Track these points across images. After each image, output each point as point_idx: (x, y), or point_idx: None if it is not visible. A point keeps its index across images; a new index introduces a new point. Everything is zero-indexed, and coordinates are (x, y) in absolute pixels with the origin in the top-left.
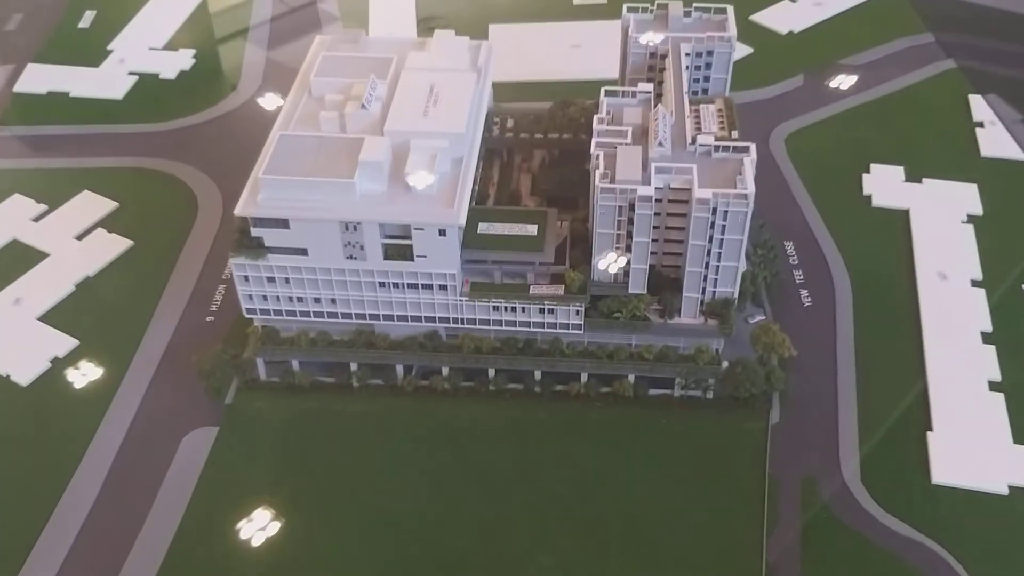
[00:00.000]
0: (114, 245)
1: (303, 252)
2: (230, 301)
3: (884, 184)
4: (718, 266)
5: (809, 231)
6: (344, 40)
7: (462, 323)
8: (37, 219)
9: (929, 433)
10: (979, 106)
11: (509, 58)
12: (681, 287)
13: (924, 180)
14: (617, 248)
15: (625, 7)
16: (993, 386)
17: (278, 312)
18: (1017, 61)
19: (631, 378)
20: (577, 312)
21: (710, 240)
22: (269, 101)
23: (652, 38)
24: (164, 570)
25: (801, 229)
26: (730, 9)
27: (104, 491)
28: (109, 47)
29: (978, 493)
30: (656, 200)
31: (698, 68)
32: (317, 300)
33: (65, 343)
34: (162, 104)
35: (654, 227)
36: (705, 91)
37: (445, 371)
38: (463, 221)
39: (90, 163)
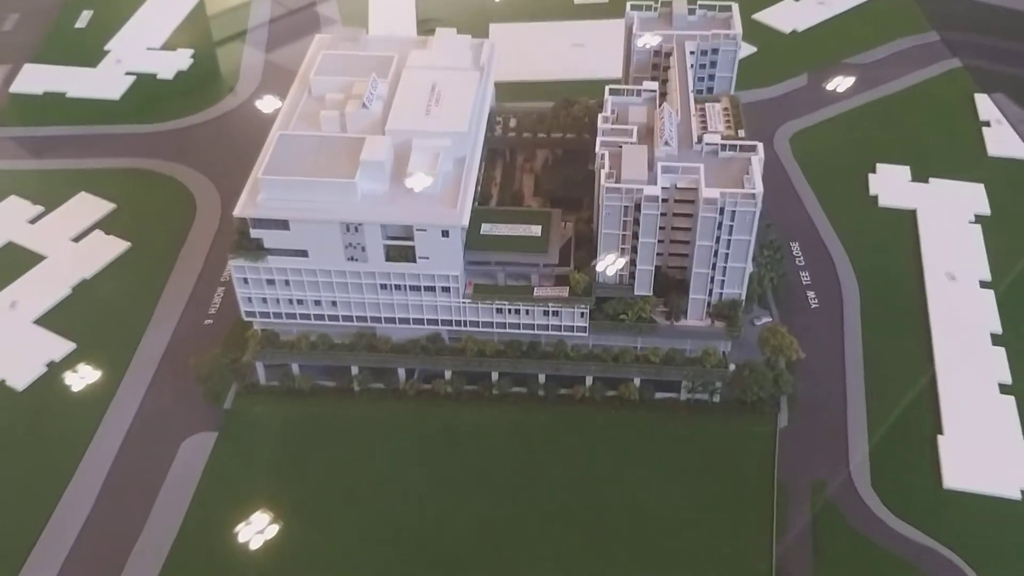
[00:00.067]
0: (111, 247)
1: (303, 254)
2: (229, 304)
3: (890, 184)
4: (725, 267)
5: (815, 232)
6: (344, 38)
7: (465, 326)
8: (33, 221)
9: (940, 437)
10: (985, 105)
11: (510, 58)
12: (687, 289)
13: (931, 180)
14: (620, 248)
15: (628, 5)
16: (1004, 389)
17: (278, 315)
18: (1023, 60)
19: (637, 381)
20: (582, 314)
21: (717, 241)
22: (267, 103)
23: (649, 40)
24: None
25: (807, 230)
26: (735, 7)
27: (100, 500)
28: (106, 47)
29: (990, 498)
30: (662, 200)
31: (703, 66)
32: (317, 302)
33: (62, 347)
34: (160, 105)
35: (660, 227)
36: (710, 90)
37: (448, 375)
38: (466, 222)
39: (87, 164)
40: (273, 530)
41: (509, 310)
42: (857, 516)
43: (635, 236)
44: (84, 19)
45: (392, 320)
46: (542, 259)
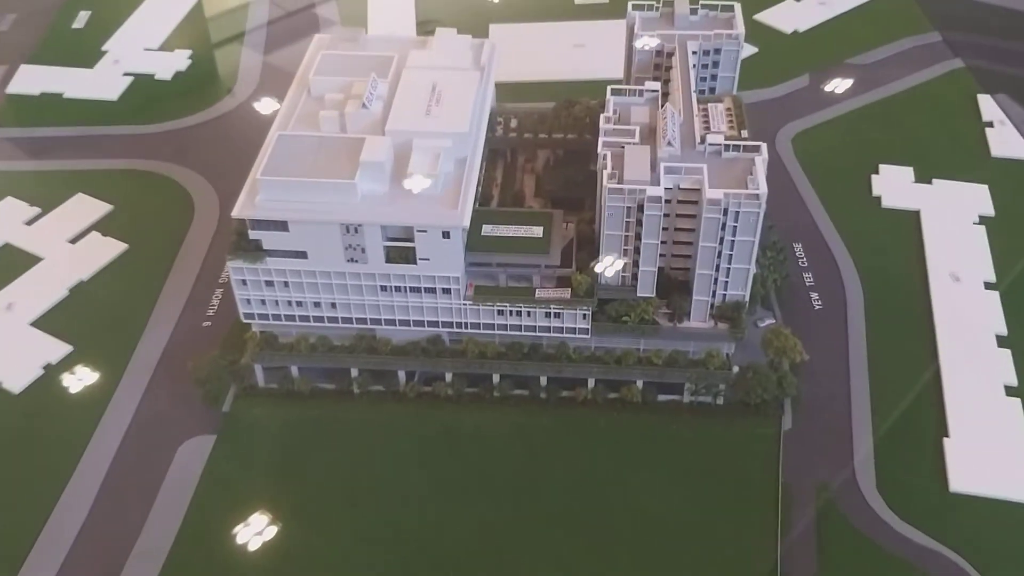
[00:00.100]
0: (108, 248)
1: (302, 255)
2: (227, 306)
3: (894, 185)
4: (729, 268)
5: (818, 233)
6: (344, 38)
7: (466, 327)
8: (30, 222)
9: (945, 439)
10: (988, 106)
11: (510, 58)
12: (691, 290)
13: (934, 181)
14: (623, 249)
15: (630, 5)
16: (1009, 391)
17: (277, 317)
18: None
19: (639, 384)
20: (584, 316)
21: (721, 242)
22: (265, 105)
23: (648, 42)
24: None
25: (810, 231)
26: (737, 7)
27: (98, 503)
28: (104, 48)
29: (997, 501)
30: (665, 201)
31: (705, 67)
32: (317, 304)
33: (58, 349)
34: (157, 106)
35: (663, 228)
36: (712, 90)
37: (448, 377)
38: (467, 223)
39: (84, 165)
40: (272, 532)
41: (510, 312)
42: (862, 519)
43: (638, 237)
44: (81, 19)
45: (392, 322)
46: (543, 260)
